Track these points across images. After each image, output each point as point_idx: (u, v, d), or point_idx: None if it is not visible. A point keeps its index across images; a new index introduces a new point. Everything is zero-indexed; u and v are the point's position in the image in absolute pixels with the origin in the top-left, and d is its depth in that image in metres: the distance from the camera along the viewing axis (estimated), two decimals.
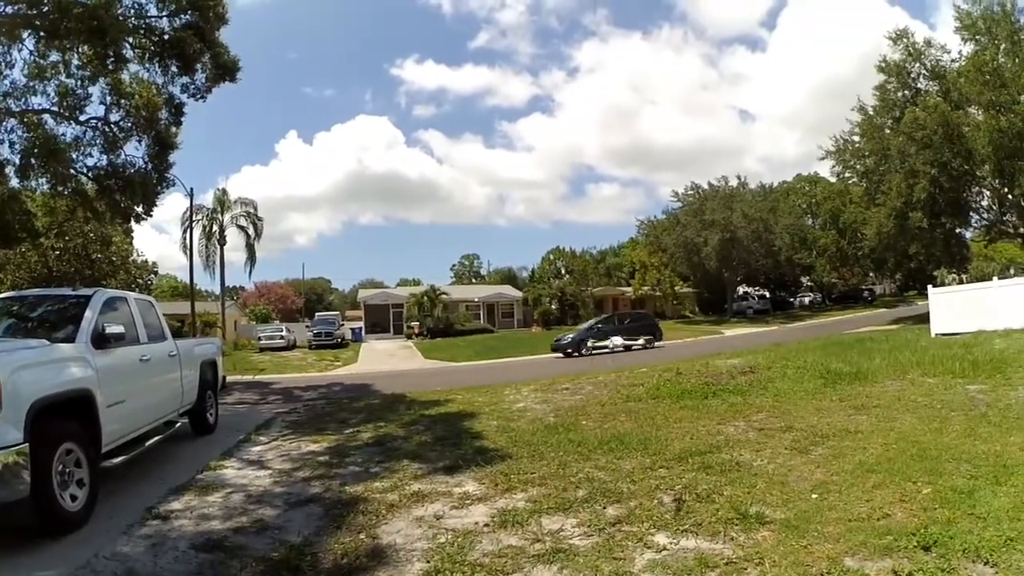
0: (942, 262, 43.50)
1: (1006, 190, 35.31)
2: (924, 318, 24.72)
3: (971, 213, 38.62)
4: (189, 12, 18.76)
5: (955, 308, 21.33)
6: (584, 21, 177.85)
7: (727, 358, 17.75)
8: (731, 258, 57.18)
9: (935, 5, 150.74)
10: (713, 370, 15.05)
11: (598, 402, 12.44)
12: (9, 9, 17.79)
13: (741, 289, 68.52)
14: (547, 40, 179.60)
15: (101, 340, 7.07)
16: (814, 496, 5.78)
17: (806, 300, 72.58)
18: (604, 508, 5.78)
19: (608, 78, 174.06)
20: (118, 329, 7.31)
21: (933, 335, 20.51)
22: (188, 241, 44.79)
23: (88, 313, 7.38)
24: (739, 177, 62.75)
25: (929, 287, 24.19)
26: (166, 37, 19.02)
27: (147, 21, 18.89)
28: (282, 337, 47.82)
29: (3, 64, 19.31)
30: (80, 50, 18.94)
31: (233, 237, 51.67)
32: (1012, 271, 55.65)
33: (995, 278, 24.60)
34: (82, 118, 20.45)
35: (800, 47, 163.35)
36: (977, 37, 34.05)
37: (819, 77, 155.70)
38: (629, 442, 8.33)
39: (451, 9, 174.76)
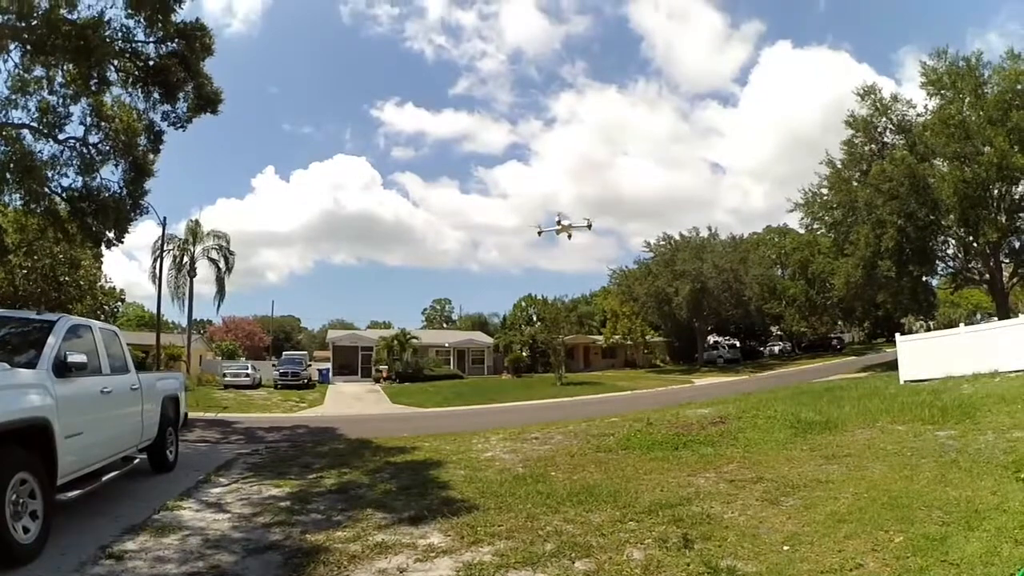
0: (909, 310, 44.10)
1: (971, 238, 36.22)
2: (893, 365, 24.92)
3: (937, 261, 39.48)
4: (176, 40, 18.74)
5: (923, 355, 21.52)
6: (562, 73, 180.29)
7: (698, 408, 17.75)
8: (702, 308, 57.50)
9: (900, 62, 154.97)
10: (684, 420, 15.03)
11: (567, 452, 12.30)
12: None
13: (712, 338, 68.71)
14: (525, 90, 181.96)
15: (63, 368, 6.86)
16: (785, 548, 5.74)
17: (776, 349, 72.94)
18: (573, 563, 5.66)
19: (583, 129, 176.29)
20: (80, 358, 7.10)
21: (902, 382, 20.63)
22: (158, 271, 43.74)
23: (51, 339, 7.17)
24: (710, 228, 63.43)
25: (897, 335, 24.46)
26: (151, 63, 18.97)
27: (133, 45, 18.82)
28: (247, 375, 46.82)
29: None
30: (65, 68, 18.84)
31: (204, 269, 51.39)
32: (979, 316, 56.45)
33: (962, 324, 24.85)
34: (61, 137, 20.27)
35: (770, 102, 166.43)
36: (942, 91, 35.13)
37: (788, 131, 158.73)
38: (599, 494, 8.22)
39: (433, 55, 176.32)
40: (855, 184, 38.42)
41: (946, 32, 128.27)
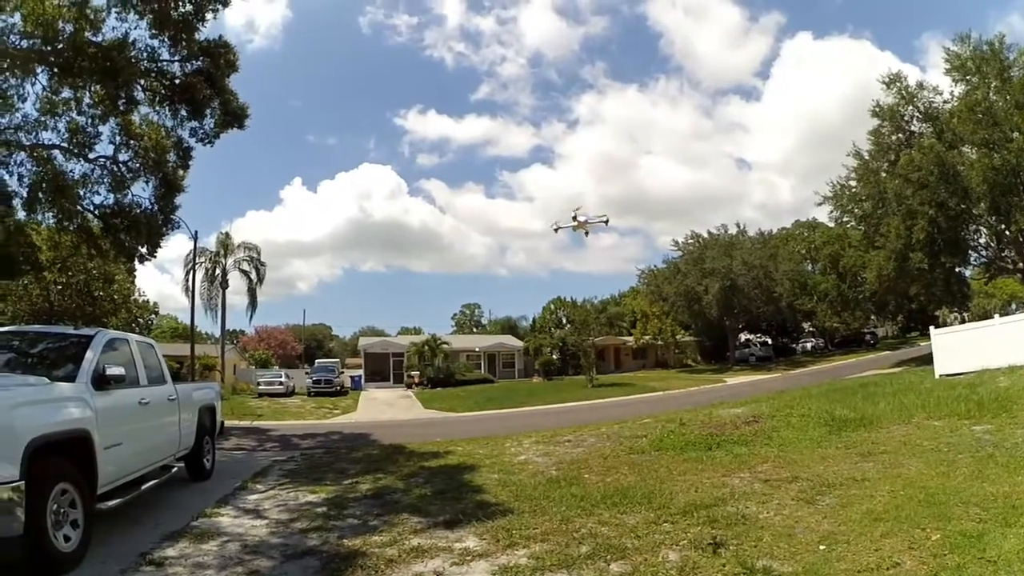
0: (943, 302, 43.48)
1: (1003, 226, 35.60)
2: (927, 359, 24.64)
3: (969, 251, 38.69)
4: (200, 58, 19.11)
5: (958, 348, 21.21)
6: (582, 74, 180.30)
7: (730, 407, 17.66)
8: (732, 306, 57.01)
9: (923, 48, 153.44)
10: (717, 420, 14.97)
11: (600, 454, 12.29)
12: (24, 43, 18.07)
13: (743, 336, 68.08)
14: (546, 93, 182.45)
15: (101, 381, 7.05)
16: (822, 547, 5.71)
17: (808, 346, 72.07)
18: (608, 565, 5.67)
19: (606, 129, 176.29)
20: (119, 371, 7.28)
21: (937, 376, 20.41)
22: (191, 283, 44.71)
23: (89, 353, 7.36)
24: (738, 225, 62.77)
25: (931, 328, 24.10)
26: (177, 81, 19.31)
27: (159, 65, 19.18)
28: (281, 383, 47.17)
29: (16, 97, 19.57)
30: (92, 89, 19.23)
31: (235, 280, 51.65)
32: (1014, 307, 55.61)
33: (996, 315, 24.57)
34: (91, 156, 20.82)
35: (794, 95, 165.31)
36: (968, 77, 34.49)
37: (813, 124, 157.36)
38: (633, 496, 8.22)
39: (453, 62, 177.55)
40: (884, 175, 37.89)
41: (968, 16, 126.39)
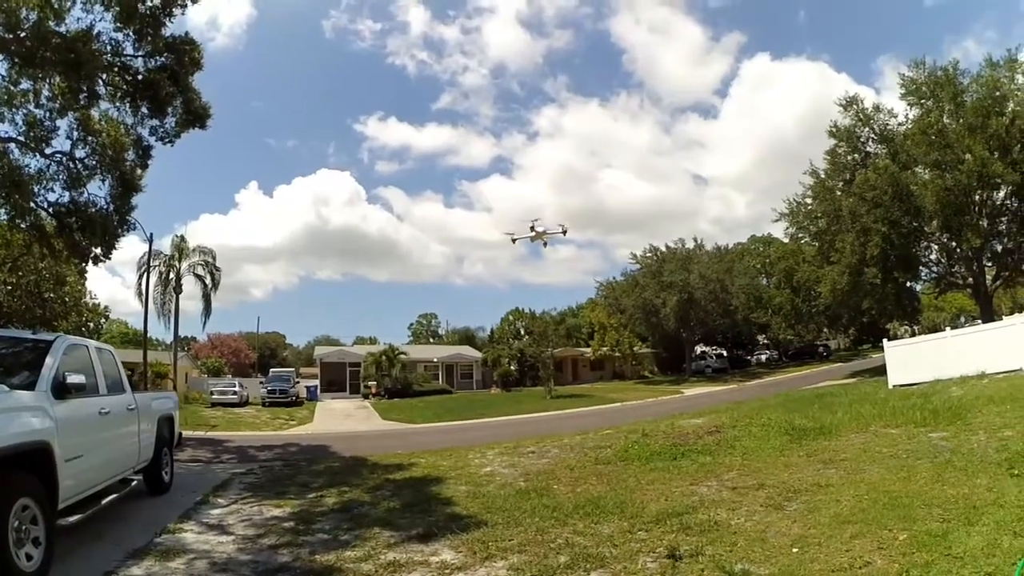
0: (894, 315, 44.37)
1: (954, 244, 36.51)
2: (880, 371, 25.14)
3: (921, 267, 39.79)
4: (165, 55, 18.71)
5: (911, 360, 21.76)
6: (544, 87, 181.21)
7: (691, 418, 17.86)
8: (689, 318, 57.73)
9: (879, 71, 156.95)
10: (679, 431, 15.10)
11: (567, 465, 12.32)
12: None
13: (699, 348, 68.83)
14: (508, 104, 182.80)
15: (62, 389, 6.75)
16: (795, 550, 5.84)
17: (763, 357, 73.03)
18: (588, 573, 5.72)
19: (566, 142, 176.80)
20: (79, 379, 7.01)
21: (891, 387, 20.86)
22: (144, 287, 43.58)
23: (49, 359, 7.05)
24: (695, 239, 63.62)
25: (884, 340, 24.63)
26: (140, 77, 18.89)
27: (123, 59, 18.74)
28: (235, 392, 46.44)
29: None
30: (53, 81, 18.71)
31: (189, 286, 51.20)
32: (963, 320, 56.89)
33: (947, 328, 25.17)
34: (47, 151, 20.16)
35: (751, 114, 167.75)
36: (922, 101, 35.49)
37: (769, 142, 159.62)
38: (605, 506, 8.25)
39: (415, 70, 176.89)
40: (839, 193, 38.76)
41: (923, 41, 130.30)
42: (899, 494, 7.33)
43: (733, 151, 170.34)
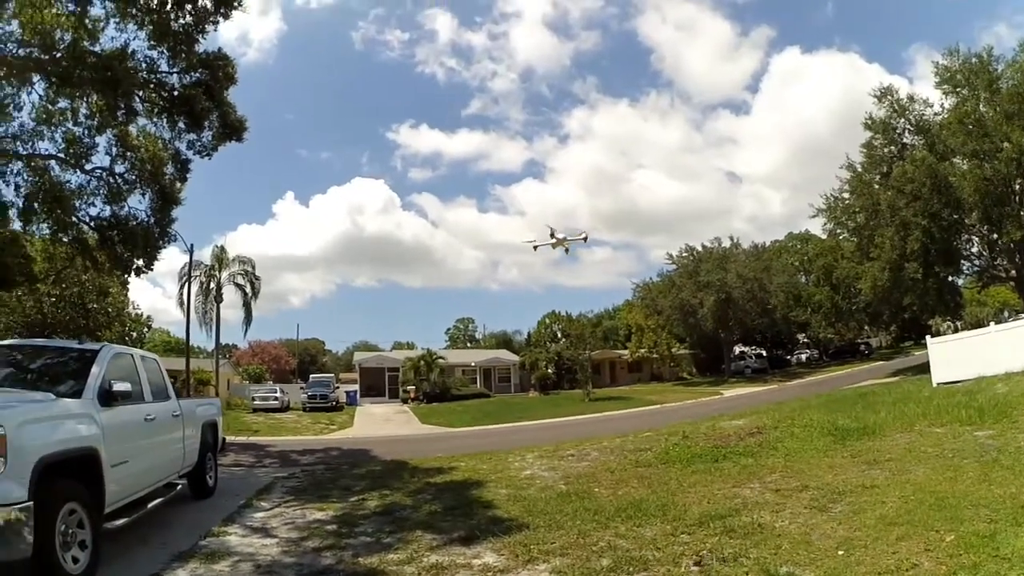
0: (936, 311, 43.43)
1: (995, 236, 35.86)
2: (924, 368, 24.73)
3: (962, 260, 38.98)
4: (200, 70, 18.98)
5: (954, 356, 21.35)
6: (573, 89, 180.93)
7: (732, 419, 17.69)
8: (727, 318, 57.17)
9: (910, 60, 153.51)
10: (720, 432, 14.98)
11: (607, 468, 12.28)
12: (21, 51, 17.99)
13: (738, 349, 68.14)
14: (538, 107, 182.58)
15: (108, 397, 6.95)
16: (840, 553, 5.77)
17: (803, 357, 72.19)
18: None
19: (597, 144, 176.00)
20: (125, 387, 7.20)
21: (935, 385, 20.49)
22: (186, 297, 44.40)
23: (95, 368, 7.25)
24: (732, 238, 62.84)
25: (928, 337, 24.21)
26: (176, 93, 19.18)
27: (158, 76, 19.06)
28: (276, 398, 46.97)
29: (12, 106, 19.45)
30: (90, 99, 19.15)
31: (229, 294, 51.63)
32: (1007, 314, 55.74)
33: (991, 323, 24.64)
34: (87, 167, 20.64)
35: (783, 108, 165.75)
36: (957, 89, 34.83)
37: (802, 136, 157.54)
38: (647, 508, 8.23)
39: (445, 77, 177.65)
40: (877, 187, 38.09)
41: (954, 27, 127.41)
42: (945, 494, 7.22)
43: (766, 147, 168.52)
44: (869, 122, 38.25)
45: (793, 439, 13.01)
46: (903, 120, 37.73)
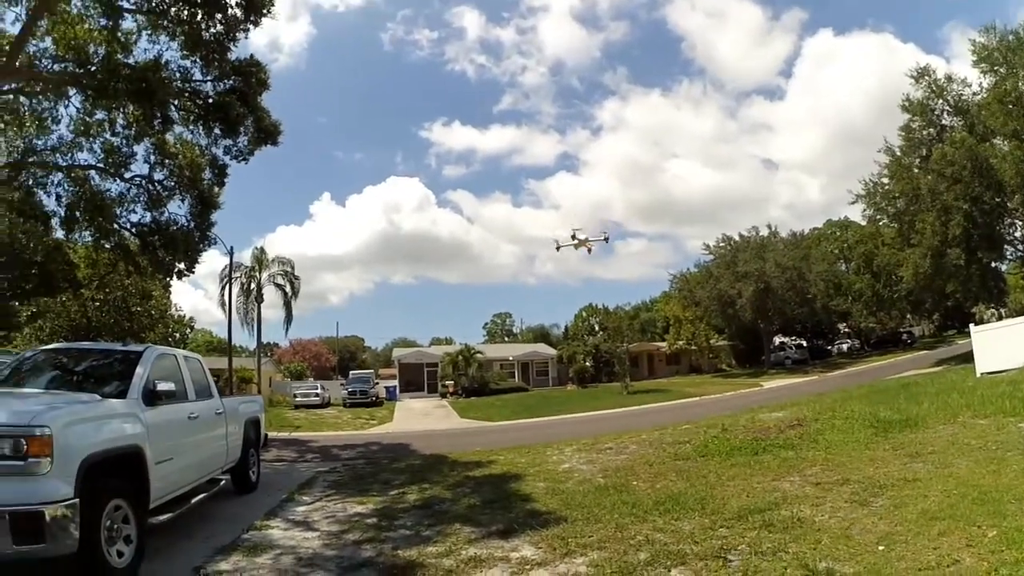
0: (979, 298, 42.56)
1: None
2: (967, 358, 24.32)
3: (1006, 246, 38.13)
4: (233, 77, 19.39)
5: (999, 345, 20.81)
6: (604, 80, 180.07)
7: (772, 411, 17.52)
8: (766, 308, 56.49)
9: (946, 39, 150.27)
10: (760, 424, 14.83)
11: (645, 461, 12.23)
12: (56, 67, 18.46)
13: (777, 339, 67.37)
14: (569, 100, 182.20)
15: (152, 397, 7.16)
16: (880, 548, 5.71)
17: (844, 347, 71.15)
18: (669, 571, 5.69)
19: (630, 135, 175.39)
20: (169, 386, 7.42)
21: (978, 375, 20.08)
22: (227, 298, 45.39)
23: (139, 369, 7.46)
24: (770, 226, 61.90)
25: (971, 326, 23.70)
26: (210, 100, 19.65)
27: (192, 85, 19.57)
28: (317, 394, 47.75)
29: (50, 120, 20.09)
30: (126, 110, 19.65)
31: (269, 295, 52.64)
32: None
33: None
34: (127, 175, 21.36)
35: (818, 93, 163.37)
36: (996, 68, 33.95)
37: (839, 121, 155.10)
38: (685, 502, 8.20)
39: (475, 74, 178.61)
40: (916, 171, 37.39)
41: (989, 3, 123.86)
42: (989, 488, 7.10)
43: (802, 133, 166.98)
44: (907, 104, 37.49)
45: (834, 431, 12.83)
46: (941, 101, 36.94)
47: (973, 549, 5.34)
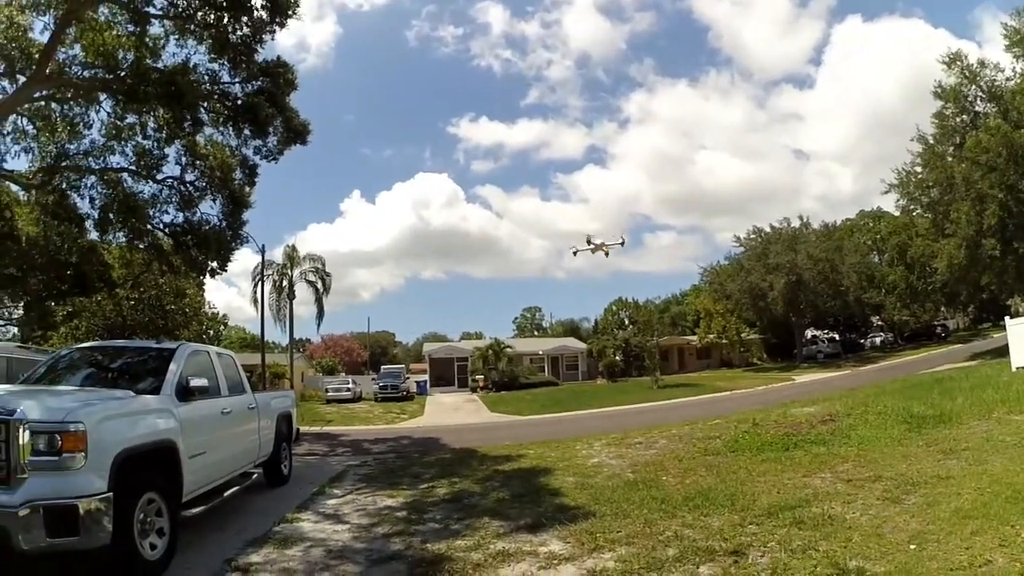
0: (1015, 290, 41.80)
1: None
2: (1003, 351, 23.92)
3: None
4: (260, 79, 19.65)
5: None
6: (630, 72, 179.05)
7: (803, 406, 17.39)
8: (798, 301, 55.89)
9: (977, 23, 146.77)
10: (791, 420, 14.71)
11: (675, 456, 12.19)
12: (86, 73, 18.79)
13: (809, 333, 66.73)
14: (596, 93, 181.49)
15: (185, 393, 7.31)
16: (912, 547, 5.65)
17: (877, 340, 70.47)
18: (697, 567, 5.68)
19: (658, 127, 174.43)
20: (202, 382, 7.58)
21: (1014, 369, 19.71)
22: (259, 295, 45.80)
23: (173, 366, 7.61)
24: (801, 218, 61.21)
25: (1006, 318, 23.33)
26: (239, 102, 19.92)
27: (221, 87, 19.88)
28: (348, 389, 48.28)
29: (82, 124, 20.47)
30: (156, 113, 19.99)
31: (301, 291, 53.07)
32: None
33: None
34: (159, 177, 21.77)
35: (848, 80, 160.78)
36: None
37: (870, 109, 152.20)
38: (715, 498, 8.16)
39: (501, 69, 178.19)
40: (950, 159, 36.74)
41: None
42: (1023, 487, 6.99)
43: (833, 122, 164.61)
44: (939, 91, 36.72)
45: (867, 427, 12.68)
46: (974, 87, 36.14)
47: (1006, 549, 5.27)
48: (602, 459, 12.81)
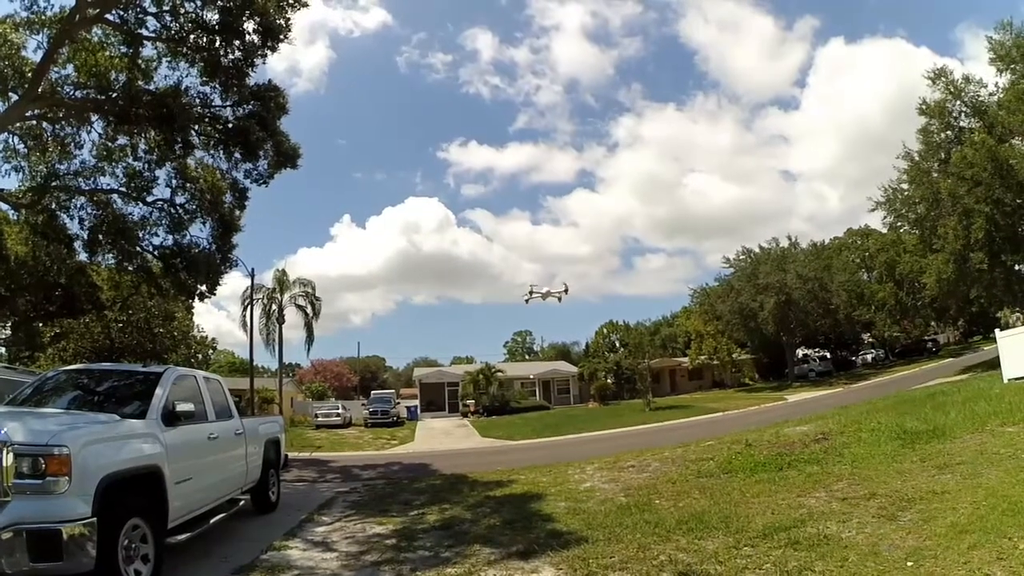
0: (1004, 302, 41.92)
1: None
2: (993, 364, 24.02)
3: None
4: (252, 102, 19.68)
5: None
6: (619, 97, 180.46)
7: (796, 425, 17.34)
8: (788, 321, 56.07)
9: (958, 41, 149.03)
10: (784, 439, 14.66)
11: (668, 479, 12.10)
12: (78, 93, 18.76)
13: (801, 352, 66.80)
14: (584, 118, 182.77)
15: (171, 417, 7.23)
16: (909, 564, 5.61)
17: (869, 357, 70.41)
18: None
19: (647, 151, 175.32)
20: (188, 407, 7.49)
21: (1005, 381, 19.72)
22: (249, 319, 45.63)
23: (159, 390, 7.53)
24: (790, 238, 61.73)
25: (996, 331, 23.37)
26: (230, 125, 19.96)
27: (212, 110, 19.93)
28: (338, 415, 48.07)
29: (73, 144, 20.43)
30: (148, 135, 19.99)
31: (291, 316, 53.34)
32: None
33: None
34: (149, 199, 21.66)
35: (833, 101, 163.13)
36: (1012, 66, 33.47)
37: (856, 128, 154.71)
38: (709, 520, 8.07)
39: (490, 95, 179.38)
40: (936, 175, 36.84)
41: (999, 3, 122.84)
42: (1019, 499, 6.94)
43: (819, 143, 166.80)
44: (923, 107, 36.87)
45: (860, 444, 12.64)
46: (958, 103, 36.31)
47: (1004, 562, 5.25)
48: (595, 483, 12.70)
